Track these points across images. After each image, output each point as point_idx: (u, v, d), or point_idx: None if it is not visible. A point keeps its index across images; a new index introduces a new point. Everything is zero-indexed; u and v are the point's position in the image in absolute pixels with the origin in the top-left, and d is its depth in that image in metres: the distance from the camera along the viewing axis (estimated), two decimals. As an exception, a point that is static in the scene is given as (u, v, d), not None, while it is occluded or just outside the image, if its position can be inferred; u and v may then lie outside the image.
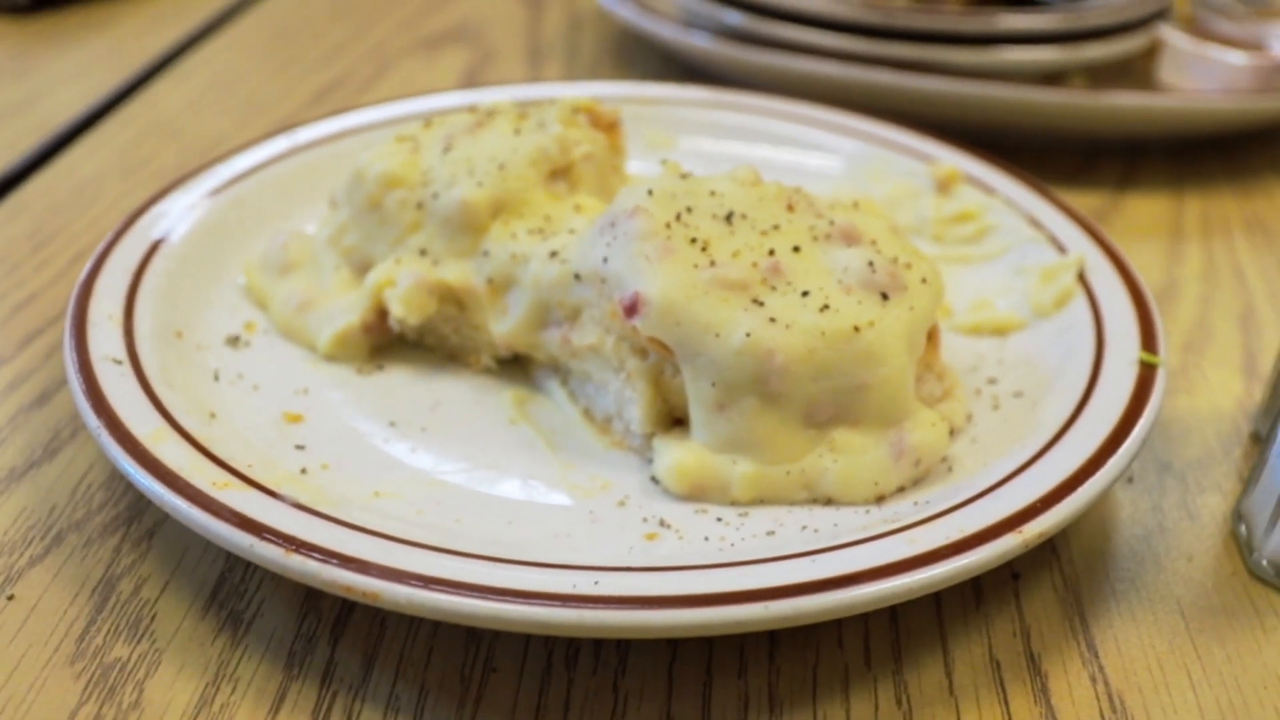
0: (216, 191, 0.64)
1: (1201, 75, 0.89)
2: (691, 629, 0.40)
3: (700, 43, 0.90)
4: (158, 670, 0.43)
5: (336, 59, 1.01)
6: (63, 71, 0.95)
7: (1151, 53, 0.94)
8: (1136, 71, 0.92)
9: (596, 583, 0.41)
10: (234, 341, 0.57)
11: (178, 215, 0.62)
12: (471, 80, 0.98)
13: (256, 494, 0.44)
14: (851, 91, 0.84)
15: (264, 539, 0.42)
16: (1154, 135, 0.87)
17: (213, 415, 0.51)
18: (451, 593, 0.40)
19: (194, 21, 1.08)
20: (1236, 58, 0.87)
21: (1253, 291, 0.71)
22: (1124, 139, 0.87)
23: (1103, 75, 0.91)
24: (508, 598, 0.40)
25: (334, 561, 0.41)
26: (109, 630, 0.45)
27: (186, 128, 0.87)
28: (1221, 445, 0.57)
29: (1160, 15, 0.94)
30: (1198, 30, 0.96)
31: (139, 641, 0.44)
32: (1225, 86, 0.87)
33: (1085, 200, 0.80)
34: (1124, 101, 0.83)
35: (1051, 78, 0.89)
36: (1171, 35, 0.91)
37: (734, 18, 0.89)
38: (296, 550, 0.41)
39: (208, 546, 0.48)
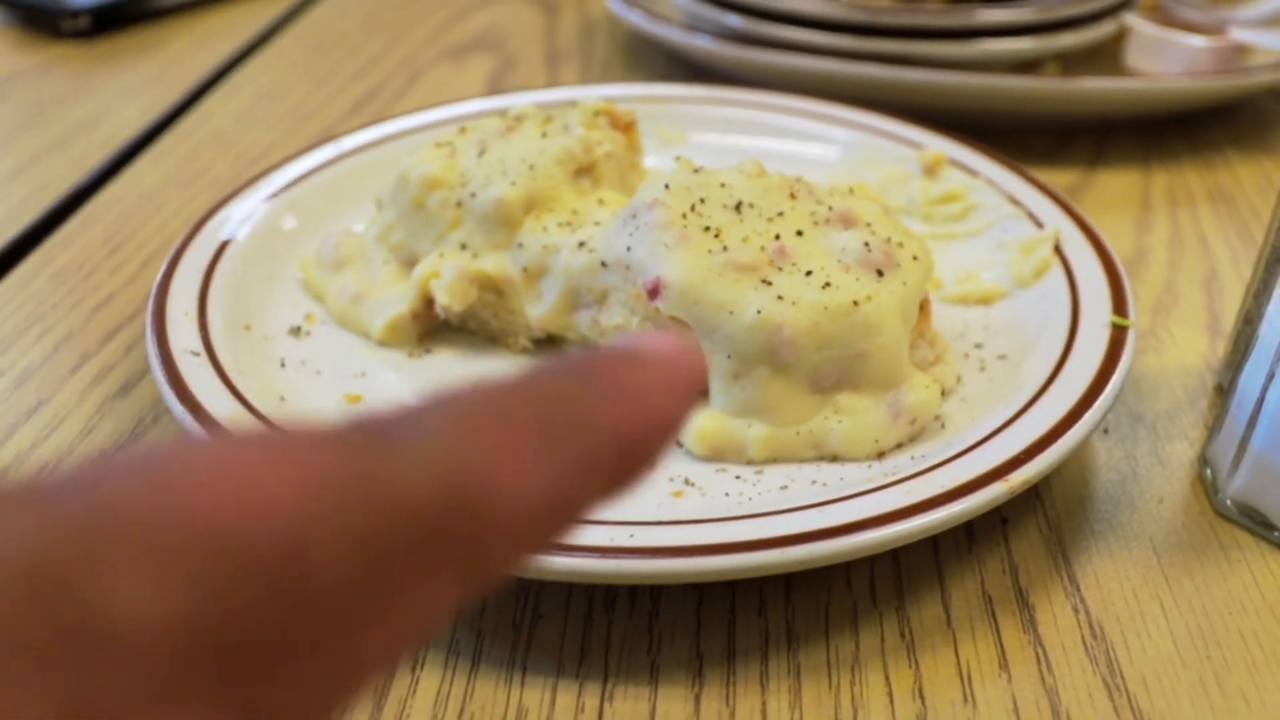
0: (272, 197, 0.66)
1: (1166, 58, 0.89)
2: (717, 574, 0.42)
3: (703, 44, 0.91)
4: (244, 626, 0.45)
5: (371, 70, 1.03)
6: (123, 90, 0.97)
7: (1119, 39, 0.94)
8: (1105, 57, 0.93)
9: (631, 535, 0.42)
10: (296, 332, 0.59)
11: (239, 220, 0.63)
12: (496, 85, 0.99)
13: (326, 467, 0.46)
14: (844, 85, 0.84)
15: (335, 506, 0.43)
16: (1122, 116, 0.88)
17: (282, 398, 0.53)
18: (504, 548, 0.42)
19: (239, 40, 1.09)
20: (1198, 41, 0.87)
21: (1216, 257, 0.72)
22: (1095, 120, 0.88)
23: (1074, 62, 0.92)
24: (553, 550, 0.41)
25: (398, 524, 0.43)
26: (199, 592, 0.47)
27: (238, 139, 0.89)
28: (1188, 397, 0.58)
29: (1127, 4, 0.94)
30: (1162, 17, 0.96)
31: (226, 601, 0.46)
32: (1188, 68, 0.88)
33: (1060, 178, 0.81)
34: (1094, 85, 0.83)
35: (1027, 66, 0.90)
36: (1137, 22, 0.92)
37: (734, 20, 0.90)
38: (365, 515, 0.43)
39: (282, 515, 0.50)
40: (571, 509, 0.19)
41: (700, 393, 0.52)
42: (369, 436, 0.17)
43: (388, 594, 0.16)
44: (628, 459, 0.20)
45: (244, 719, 0.15)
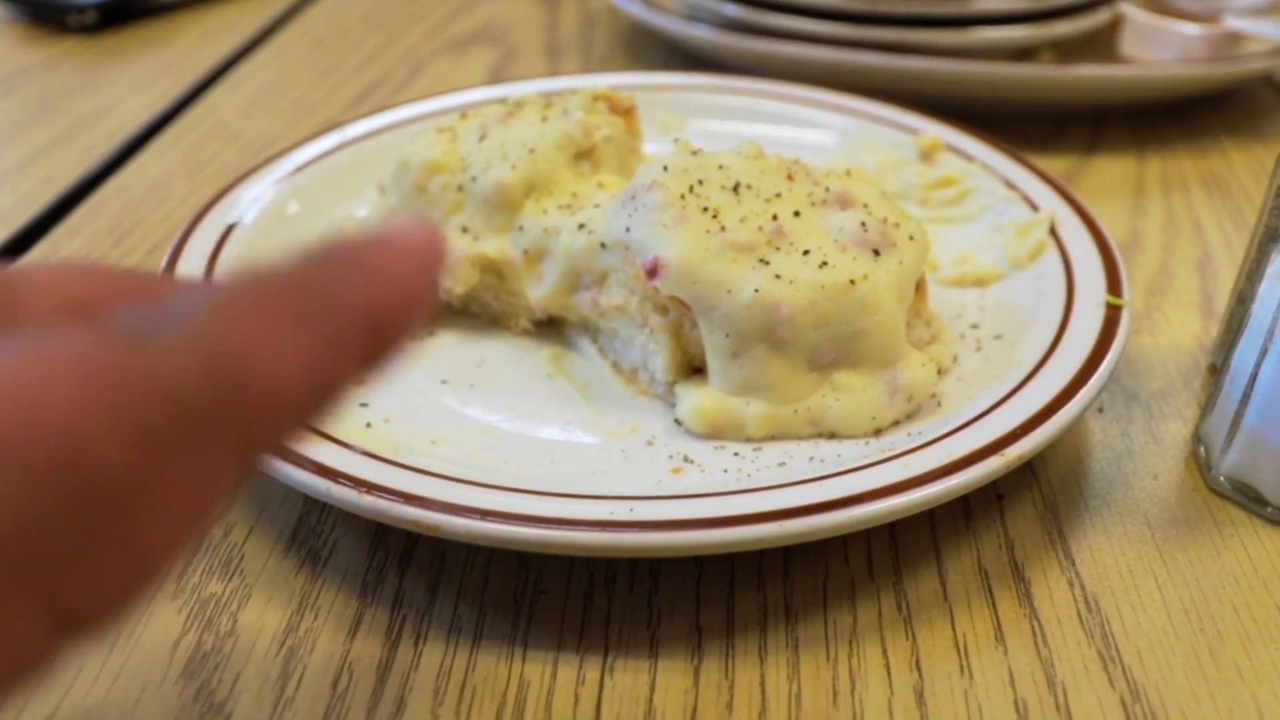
0: (278, 183, 0.66)
1: (1160, 46, 0.89)
2: (715, 547, 0.41)
3: (702, 34, 0.91)
4: (248, 602, 0.45)
5: (374, 63, 1.02)
6: (129, 83, 0.97)
7: (1113, 27, 0.94)
8: (1100, 45, 0.93)
9: (631, 510, 0.42)
10: (300, 315, 0.59)
11: (245, 205, 0.63)
12: (497, 76, 0.99)
13: (330, 445, 0.46)
14: (842, 73, 0.84)
15: (339, 483, 0.43)
16: (1117, 103, 0.87)
17: (286, 379, 0.52)
18: (504, 522, 0.42)
19: (244, 34, 1.09)
20: (1191, 29, 0.87)
21: (1209, 240, 0.72)
22: (1089, 107, 0.88)
23: (1069, 49, 0.92)
24: (554, 525, 0.41)
25: (400, 500, 0.43)
26: (204, 570, 0.47)
27: (243, 130, 0.88)
28: (1182, 377, 0.58)
29: (1121, -7, 0.94)
30: (1156, 5, 0.96)
31: (231, 579, 0.46)
32: (1181, 56, 0.87)
33: (1055, 164, 0.81)
34: (1089, 73, 0.83)
35: (1022, 54, 0.90)
36: (1131, 10, 0.92)
37: (732, 10, 0.90)
38: (368, 491, 0.43)
39: (286, 495, 0.50)
40: (331, 384, 0.20)
41: (696, 370, 0.52)
42: (131, 330, 0.18)
43: (167, 477, 0.17)
44: (379, 334, 0.21)
45: (53, 609, 0.17)
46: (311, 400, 0.20)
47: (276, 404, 0.19)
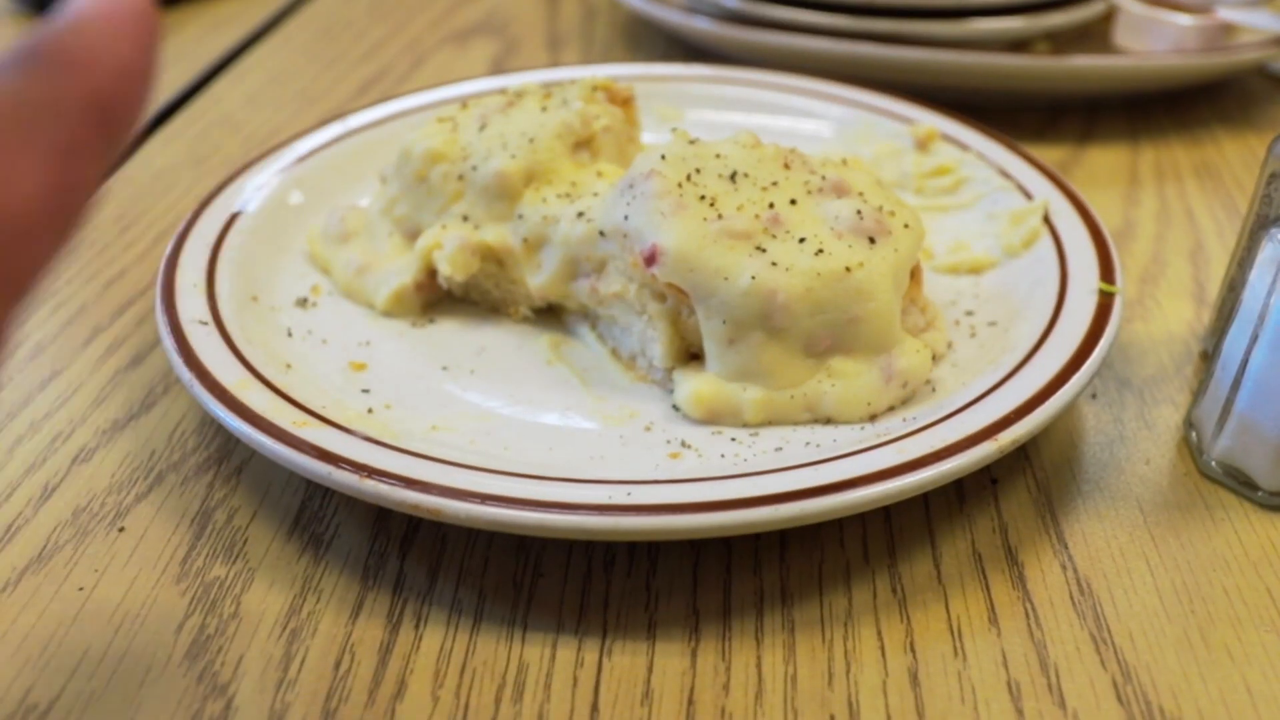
0: (281, 173, 0.65)
1: (1153, 37, 0.88)
2: (712, 530, 0.41)
3: (702, 25, 0.90)
4: (252, 586, 0.45)
5: (377, 54, 1.02)
6: (135, 74, 0.96)
7: (1108, 18, 0.93)
8: (1094, 36, 0.92)
9: (629, 494, 0.42)
10: (303, 303, 0.59)
11: (248, 195, 0.63)
12: (499, 68, 0.98)
13: (331, 430, 0.46)
14: (839, 64, 0.84)
15: (340, 467, 0.43)
16: (1111, 93, 0.87)
17: (289, 366, 0.52)
18: (504, 506, 0.41)
19: (248, 25, 1.08)
20: (1185, 20, 0.87)
21: (1201, 229, 0.72)
22: (1084, 97, 0.87)
23: (1064, 40, 0.92)
24: (553, 509, 0.41)
25: (401, 484, 0.43)
26: (208, 554, 0.47)
27: (247, 121, 0.88)
28: (1174, 364, 0.58)
29: (1115, -15, 0.94)
30: (1149, -3, 0.95)
31: (234, 562, 0.46)
32: (1175, 46, 0.87)
33: (1050, 154, 0.80)
34: (1083, 64, 0.83)
35: (1018, 45, 0.90)
36: (1125, 2, 0.91)
37: (731, 2, 0.89)
38: (369, 476, 0.43)
39: (289, 479, 0.50)
40: (77, 187, 0.19)
41: (694, 357, 0.52)
42: None
43: None
44: (112, 121, 0.19)
45: None
46: (61, 214, 0.19)
47: (26, 228, 0.18)
